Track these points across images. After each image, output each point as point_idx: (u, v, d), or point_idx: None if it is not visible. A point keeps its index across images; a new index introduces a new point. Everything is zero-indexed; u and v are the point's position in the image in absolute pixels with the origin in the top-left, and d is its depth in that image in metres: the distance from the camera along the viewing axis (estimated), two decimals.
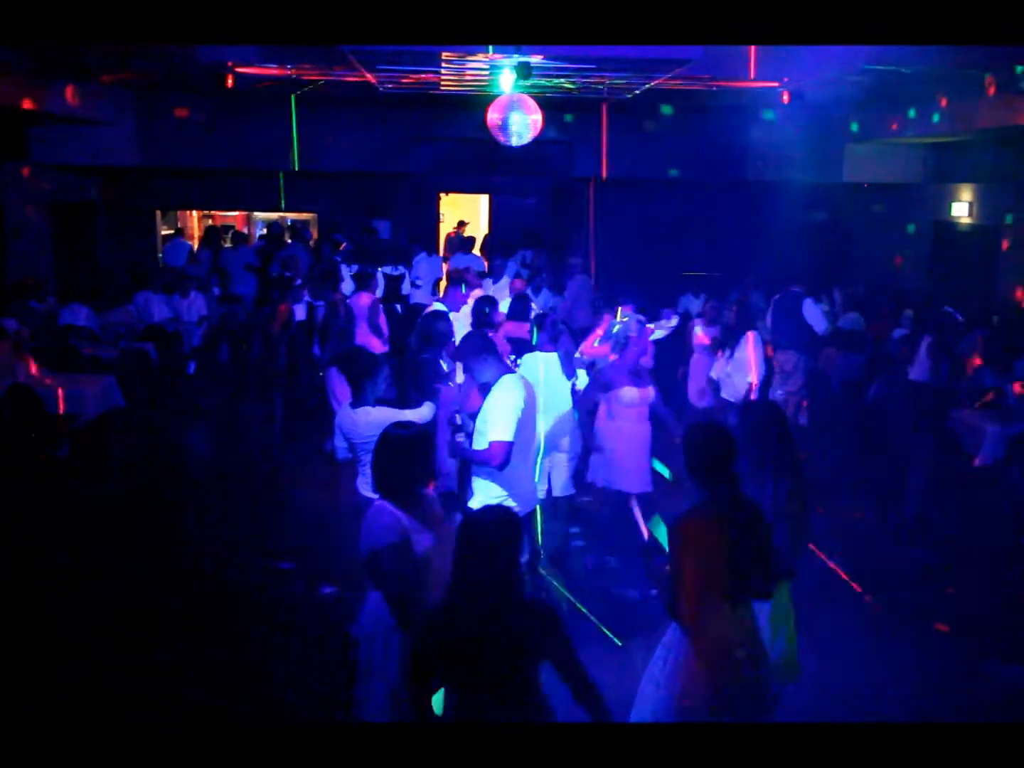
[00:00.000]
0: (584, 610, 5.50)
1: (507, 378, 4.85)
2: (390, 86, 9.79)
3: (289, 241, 13.89)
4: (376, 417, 4.84)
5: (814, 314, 9.66)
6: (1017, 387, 7.65)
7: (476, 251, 14.16)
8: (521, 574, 3.10)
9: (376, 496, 4.81)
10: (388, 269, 11.17)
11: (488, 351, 4.93)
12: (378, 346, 9.20)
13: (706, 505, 3.48)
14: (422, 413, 5.20)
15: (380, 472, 3.70)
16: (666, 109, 12.17)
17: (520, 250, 13.49)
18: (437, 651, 2.95)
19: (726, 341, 8.67)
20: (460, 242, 13.63)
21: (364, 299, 9.28)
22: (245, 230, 17.22)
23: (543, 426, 6.20)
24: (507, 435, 4.61)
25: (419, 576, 3.57)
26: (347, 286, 10.32)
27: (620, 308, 7.23)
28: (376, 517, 3.62)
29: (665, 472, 5.92)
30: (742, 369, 8.56)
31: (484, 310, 7.31)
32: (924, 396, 7.88)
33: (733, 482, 3.48)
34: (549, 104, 8.67)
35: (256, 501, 7.65)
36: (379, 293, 10.76)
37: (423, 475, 3.74)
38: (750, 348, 8.33)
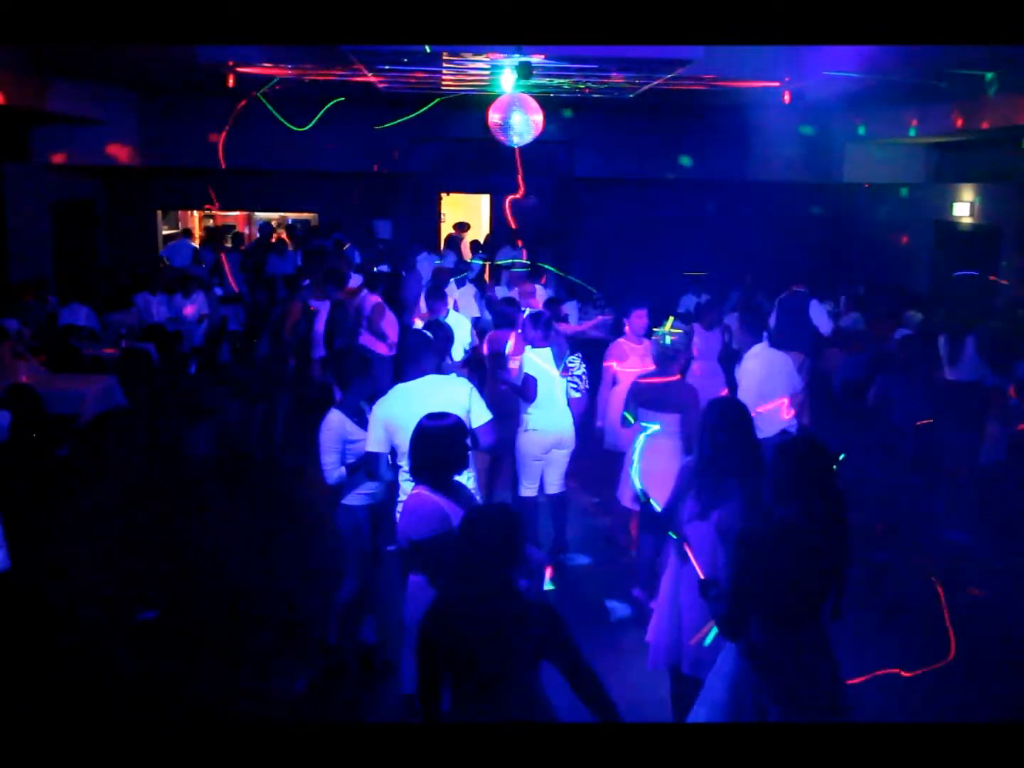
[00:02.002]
0: None
1: (396, 387, 4.76)
2: (391, 85, 9.79)
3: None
4: (334, 424, 4.91)
5: (820, 315, 9.66)
6: (1012, 391, 7.65)
7: (479, 252, 14.20)
8: (520, 574, 3.10)
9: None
10: (384, 268, 11.21)
11: (424, 353, 4.80)
12: (383, 349, 9.15)
13: (785, 521, 3.31)
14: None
15: (418, 460, 3.83)
16: (670, 110, 12.17)
17: (506, 247, 13.58)
18: (439, 645, 2.96)
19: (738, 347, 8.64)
20: (448, 243, 13.79)
21: (369, 300, 9.29)
22: (245, 230, 17.25)
23: (539, 423, 6.25)
24: (372, 446, 4.55)
25: None
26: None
27: (671, 317, 6.82)
28: (418, 506, 3.73)
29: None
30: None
31: (505, 312, 7.34)
32: (972, 395, 7.83)
33: (829, 500, 3.30)
34: (550, 104, 8.67)
35: (256, 499, 7.66)
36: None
37: (459, 462, 3.87)
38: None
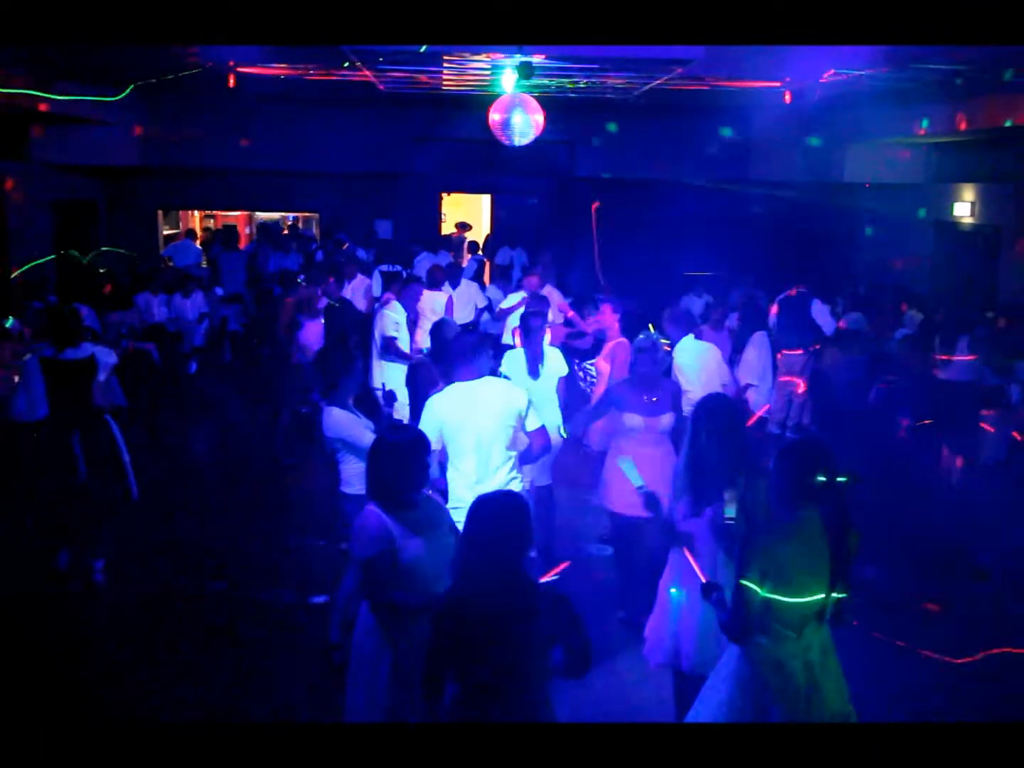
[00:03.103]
0: None
1: (455, 385, 4.72)
2: (392, 85, 9.80)
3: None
4: (337, 419, 4.86)
5: (822, 315, 9.66)
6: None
7: (476, 252, 14.20)
8: (529, 558, 3.09)
9: (355, 495, 4.84)
10: (385, 267, 11.29)
11: (478, 354, 4.73)
12: None
13: (788, 523, 3.33)
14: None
15: (373, 476, 3.62)
16: (671, 110, 12.16)
17: (504, 248, 13.60)
18: (450, 638, 2.95)
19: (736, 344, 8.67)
20: (447, 243, 13.85)
21: (383, 298, 9.36)
22: (247, 230, 17.25)
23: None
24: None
25: (406, 583, 3.50)
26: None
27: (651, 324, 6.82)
28: (364, 524, 3.56)
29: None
30: (747, 370, 8.56)
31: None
32: (968, 395, 7.83)
33: (832, 502, 3.31)
34: (551, 104, 8.67)
35: (257, 500, 7.66)
36: (377, 292, 10.79)
37: (417, 480, 3.62)
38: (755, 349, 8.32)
